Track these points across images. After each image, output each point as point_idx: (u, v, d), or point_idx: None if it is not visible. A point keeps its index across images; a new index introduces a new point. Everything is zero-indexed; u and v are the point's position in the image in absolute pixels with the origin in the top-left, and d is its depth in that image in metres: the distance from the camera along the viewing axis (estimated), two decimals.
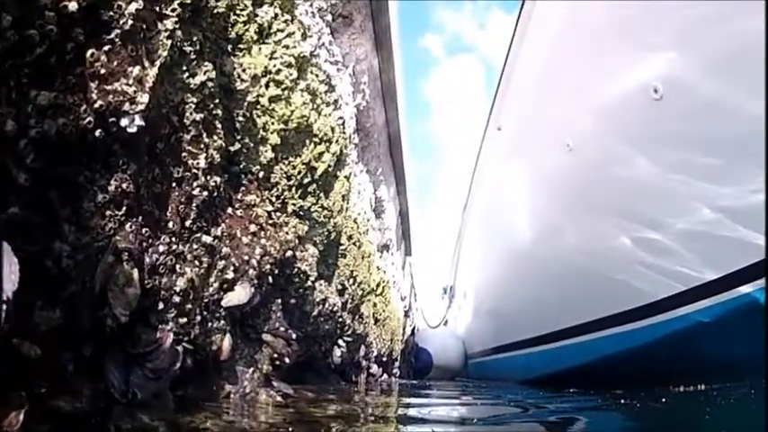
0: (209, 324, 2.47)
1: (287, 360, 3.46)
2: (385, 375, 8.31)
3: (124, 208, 1.82)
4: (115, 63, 1.75)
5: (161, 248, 2.01)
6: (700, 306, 4.30)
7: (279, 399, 3.02)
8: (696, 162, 4.03)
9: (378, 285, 6.77)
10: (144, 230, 1.93)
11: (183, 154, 2.15)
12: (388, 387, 7.19)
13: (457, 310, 15.06)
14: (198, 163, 2.20)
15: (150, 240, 1.96)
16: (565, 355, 6.62)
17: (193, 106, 2.16)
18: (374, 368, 7.13)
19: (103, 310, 1.77)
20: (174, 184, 2.12)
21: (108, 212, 1.78)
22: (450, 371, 13.98)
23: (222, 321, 2.58)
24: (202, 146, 2.23)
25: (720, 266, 4.10)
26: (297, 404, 3.18)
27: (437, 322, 15.13)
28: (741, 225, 3.86)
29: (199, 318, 2.29)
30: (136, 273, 1.86)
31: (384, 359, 8.13)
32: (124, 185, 1.81)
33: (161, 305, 2.04)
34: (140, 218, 1.91)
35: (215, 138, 2.33)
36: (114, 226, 1.79)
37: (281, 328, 3.49)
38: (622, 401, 4.37)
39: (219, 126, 2.38)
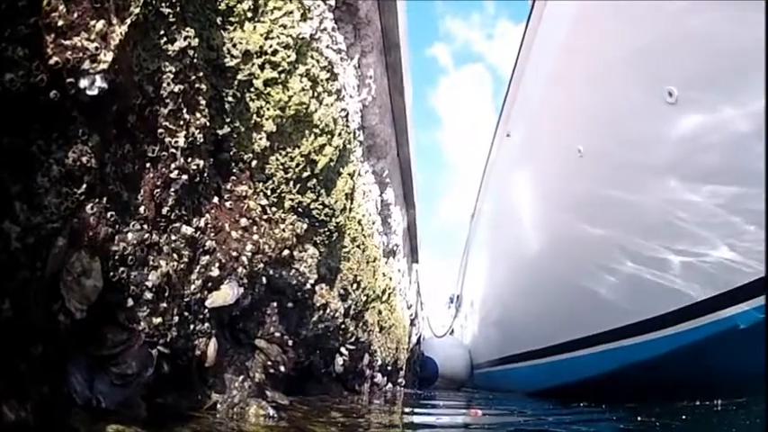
0: (191, 326, 2.20)
1: (282, 368, 3.19)
2: (389, 385, 8.02)
3: (84, 186, 1.56)
4: (75, 15, 1.49)
5: (130, 236, 1.74)
6: (711, 319, 4.11)
7: (271, 410, 2.74)
8: (713, 169, 3.84)
9: (383, 292, 6.50)
10: (109, 214, 1.66)
11: (160, 130, 1.89)
12: (393, 396, 6.93)
13: (463, 320, 14.86)
14: (176, 141, 1.93)
15: (117, 226, 1.70)
16: (573, 367, 6.38)
17: (171, 76, 1.90)
18: (378, 377, 6.85)
19: (56, 304, 1.50)
20: (148, 165, 1.86)
21: (64, 189, 1.52)
22: (456, 381, 13.76)
23: (206, 324, 2.31)
24: (182, 122, 1.97)
25: (733, 279, 3.90)
26: (292, 416, 2.91)
27: (443, 331, 14.88)
28: (755, 235, 3.67)
29: (177, 318, 2.02)
30: (97, 262, 1.59)
31: (389, 368, 7.85)
32: (84, 159, 1.55)
33: (130, 301, 1.77)
34: (105, 199, 1.64)
35: (197, 115, 2.06)
36: (71, 206, 1.53)
37: (277, 334, 3.23)
38: (639, 418, 4.16)
39: (203, 103, 2.11)
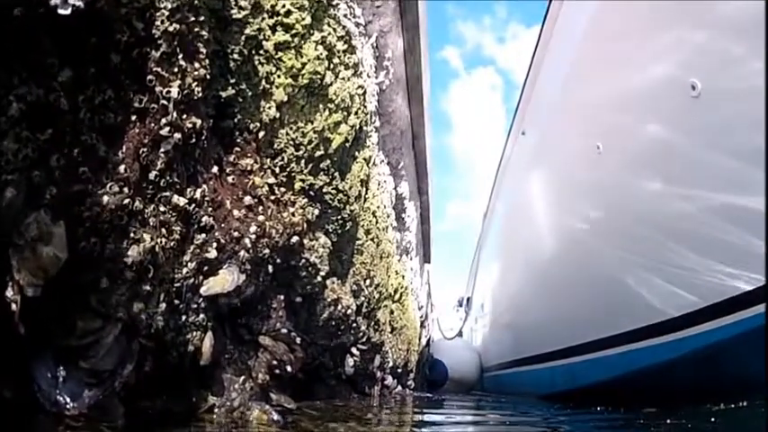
0: (182, 317, 1.87)
1: (289, 368, 2.85)
2: (399, 387, 7.70)
3: (50, 131, 1.24)
4: None
5: (106, 200, 1.40)
6: (731, 320, 3.88)
7: (276, 415, 2.41)
8: (735, 167, 3.61)
9: (395, 291, 6.16)
10: (81, 170, 1.33)
11: (150, 77, 1.56)
12: (404, 400, 6.64)
13: (473, 322, 14.62)
14: (168, 92, 1.60)
15: (90, 186, 1.37)
16: (588, 369, 6.13)
17: (167, 13, 1.57)
18: (389, 380, 6.52)
19: (5, 276, 1.17)
20: (133, 117, 1.53)
21: (25, 133, 1.20)
22: (465, 384, 13.50)
23: (201, 315, 1.98)
24: (176, 70, 1.63)
25: (751, 279, 3.68)
26: (299, 423, 2.58)
27: (453, 334, 14.60)
28: None
29: (164, 305, 1.69)
30: (61, 228, 1.26)
31: (399, 370, 7.52)
32: (52, 98, 1.23)
33: (105, 281, 1.44)
34: (76, 151, 1.32)
35: (196, 65, 1.73)
36: (32, 154, 1.21)
37: (284, 330, 2.90)
38: (668, 421, 3.95)
39: (204, 52, 1.78)
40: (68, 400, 1.41)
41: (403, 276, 6.74)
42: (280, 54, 2.51)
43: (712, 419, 3.97)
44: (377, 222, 4.60)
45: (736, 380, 4.29)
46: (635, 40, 4.27)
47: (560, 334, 6.92)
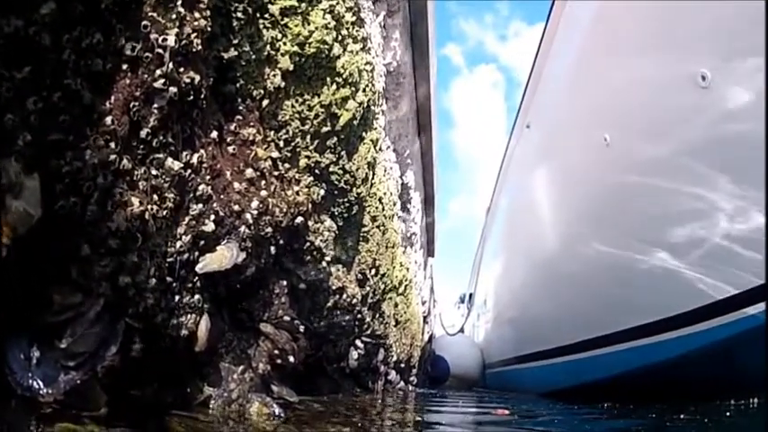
0: (176, 296, 1.68)
1: (291, 358, 2.68)
2: (402, 383, 7.53)
3: (27, 70, 1.06)
4: None
5: (89, 154, 1.22)
6: (737, 317, 3.82)
7: (277, 408, 2.23)
8: (748, 157, 3.48)
9: (400, 283, 5.98)
10: (61, 118, 1.15)
11: (144, 23, 1.37)
12: (407, 396, 6.50)
13: (476, 319, 14.50)
14: (165, 40, 1.41)
15: (71, 137, 1.18)
16: (592, 366, 6.02)
17: None
18: (392, 375, 6.35)
19: None
20: (125, 66, 1.34)
21: None
22: (467, 380, 13.37)
23: (197, 295, 1.79)
24: (174, 17, 1.45)
25: (758, 275, 3.58)
26: (301, 417, 2.40)
27: (455, 330, 14.46)
28: None
29: (155, 281, 1.50)
30: (35, 181, 1.08)
31: (402, 365, 7.35)
32: (31, 31, 1.05)
33: (86, 248, 1.25)
34: (56, 95, 1.14)
35: (196, 14, 1.54)
36: (6, 94, 1.03)
37: (286, 318, 2.73)
38: (681, 416, 3.87)
39: (205, 1, 1.60)
40: (41, 384, 1.23)
41: (407, 269, 6.56)
42: (286, 20, 2.35)
43: (727, 414, 3.95)
44: (383, 209, 4.42)
45: (747, 376, 4.22)
46: (643, 28, 4.15)
47: (564, 330, 6.81)
